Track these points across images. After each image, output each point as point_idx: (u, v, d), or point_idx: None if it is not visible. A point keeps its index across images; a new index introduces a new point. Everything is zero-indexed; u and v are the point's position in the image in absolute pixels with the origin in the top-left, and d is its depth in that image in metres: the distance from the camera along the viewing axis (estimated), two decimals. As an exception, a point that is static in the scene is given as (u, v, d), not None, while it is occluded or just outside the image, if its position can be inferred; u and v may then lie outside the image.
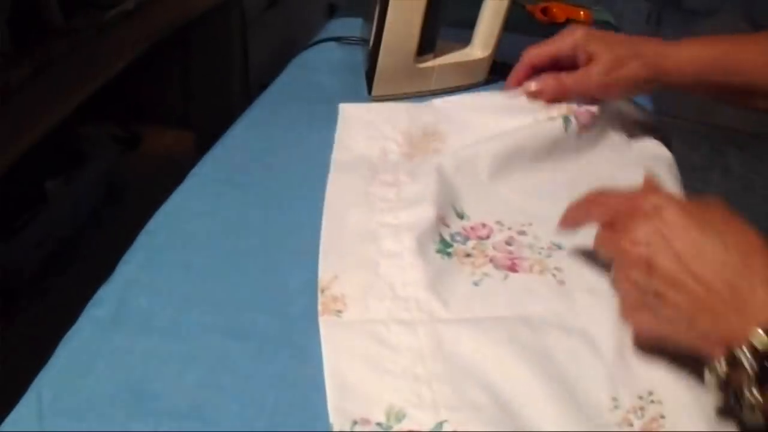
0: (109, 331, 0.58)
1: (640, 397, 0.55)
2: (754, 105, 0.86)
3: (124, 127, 2.01)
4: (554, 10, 1.33)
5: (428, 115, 0.91)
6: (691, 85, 0.85)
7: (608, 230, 0.61)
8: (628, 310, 0.59)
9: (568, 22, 1.32)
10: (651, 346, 0.58)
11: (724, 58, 0.83)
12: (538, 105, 0.87)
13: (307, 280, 0.64)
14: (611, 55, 0.84)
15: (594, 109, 0.86)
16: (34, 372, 0.55)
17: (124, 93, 1.93)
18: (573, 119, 0.85)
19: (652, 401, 0.55)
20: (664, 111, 1.14)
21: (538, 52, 0.90)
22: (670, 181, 0.82)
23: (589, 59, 0.85)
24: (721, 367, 0.50)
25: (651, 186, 0.62)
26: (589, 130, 0.86)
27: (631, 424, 0.54)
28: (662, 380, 0.56)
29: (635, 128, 0.92)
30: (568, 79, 0.87)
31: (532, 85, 0.88)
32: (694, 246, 0.54)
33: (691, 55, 0.83)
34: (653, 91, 0.96)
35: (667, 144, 0.91)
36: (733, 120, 2.69)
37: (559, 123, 0.84)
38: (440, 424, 0.52)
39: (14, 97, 1.30)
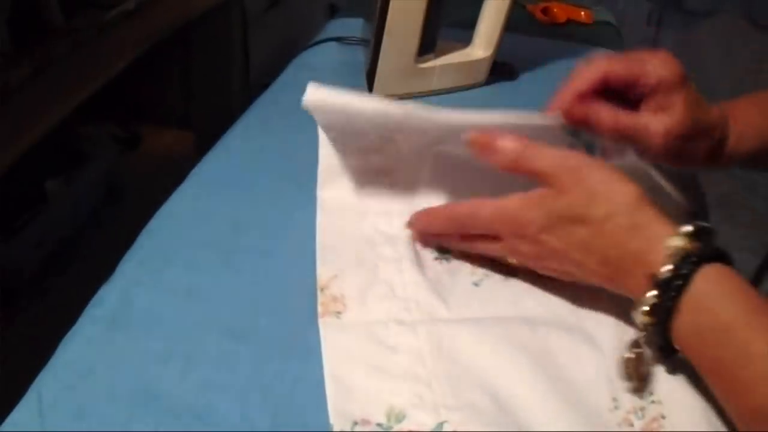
0: (109, 330, 0.58)
1: (641, 397, 0.55)
2: None
3: (124, 127, 2.01)
4: (555, 10, 1.33)
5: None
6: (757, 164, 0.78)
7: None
8: (533, 261, 0.61)
9: (569, 22, 1.32)
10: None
11: None
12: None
13: (307, 279, 0.64)
14: (690, 116, 0.68)
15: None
16: (34, 372, 0.55)
17: (125, 93, 1.93)
18: (598, 144, 0.74)
19: (653, 401, 0.55)
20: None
21: (606, 69, 0.68)
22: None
23: (666, 105, 0.68)
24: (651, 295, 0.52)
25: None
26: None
27: (632, 425, 0.54)
28: (663, 380, 0.56)
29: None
30: (628, 118, 0.68)
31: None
32: (586, 201, 0.56)
33: (750, 134, 0.72)
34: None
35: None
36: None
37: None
38: (440, 424, 0.52)
39: (14, 97, 1.30)
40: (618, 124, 0.68)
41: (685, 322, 0.51)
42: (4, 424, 0.51)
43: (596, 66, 0.68)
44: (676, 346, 0.53)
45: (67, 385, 0.54)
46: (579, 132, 0.72)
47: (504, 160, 0.61)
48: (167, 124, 2.11)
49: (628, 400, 0.55)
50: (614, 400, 0.55)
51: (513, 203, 0.59)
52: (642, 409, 0.55)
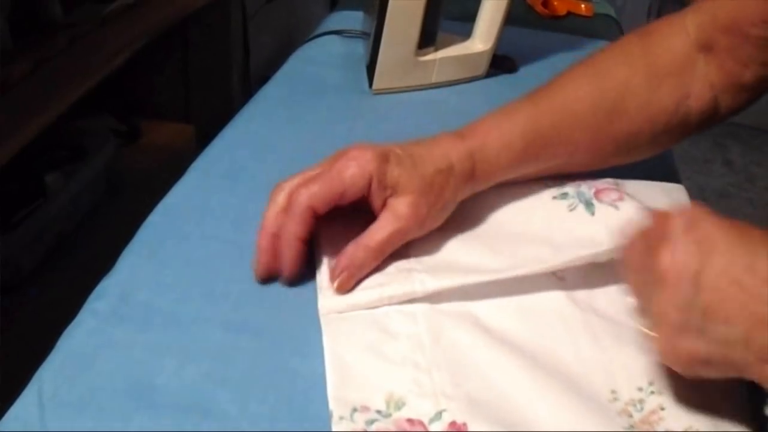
0: (109, 324, 0.58)
1: (640, 389, 0.55)
2: (611, 161, 0.73)
3: (124, 121, 2.01)
4: (555, 3, 1.32)
5: None
6: (526, 174, 0.71)
7: (638, 251, 0.53)
8: (671, 337, 0.49)
9: (569, 15, 1.32)
10: (698, 375, 0.51)
11: (536, 131, 0.68)
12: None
13: (307, 274, 0.64)
14: (419, 179, 0.63)
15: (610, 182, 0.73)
16: (34, 366, 0.55)
17: (124, 87, 1.93)
18: (595, 202, 0.71)
19: (652, 392, 0.55)
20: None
21: (319, 196, 0.62)
22: None
23: (388, 189, 0.63)
24: None
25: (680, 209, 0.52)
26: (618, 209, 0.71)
27: (631, 416, 0.54)
28: (662, 371, 0.56)
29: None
30: (375, 239, 0.63)
31: (337, 269, 0.62)
32: (742, 257, 0.47)
33: (496, 149, 0.67)
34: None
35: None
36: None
37: (581, 211, 0.71)
38: (439, 413, 0.52)
39: (14, 91, 1.30)
40: (365, 246, 0.63)
41: None
42: (4, 418, 0.51)
43: (300, 206, 0.61)
44: None
45: (67, 378, 0.54)
46: (565, 192, 0.72)
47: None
48: (167, 117, 2.11)
49: (627, 392, 0.55)
50: (613, 392, 0.55)
51: None
52: (641, 401, 0.54)
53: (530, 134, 0.68)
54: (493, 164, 0.67)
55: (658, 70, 0.70)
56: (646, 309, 0.53)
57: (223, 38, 2.05)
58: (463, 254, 0.67)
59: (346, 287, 0.62)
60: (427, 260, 0.66)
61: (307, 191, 0.61)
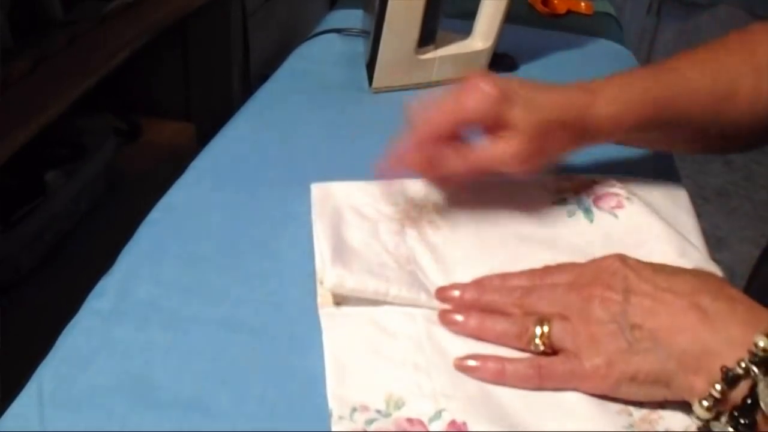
0: (109, 322, 0.58)
1: None
2: (710, 148, 0.76)
3: (124, 119, 2.01)
4: (555, 1, 1.32)
5: (413, 187, 0.74)
6: (630, 141, 0.74)
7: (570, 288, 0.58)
8: (618, 357, 0.53)
9: (569, 13, 1.32)
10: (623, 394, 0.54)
11: (654, 102, 0.67)
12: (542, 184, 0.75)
13: (306, 271, 0.64)
14: (533, 125, 0.64)
15: (616, 187, 0.73)
16: (34, 364, 0.55)
17: (125, 85, 1.93)
18: (594, 209, 0.71)
19: None
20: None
21: (437, 120, 0.66)
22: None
23: (502, 125, 0.64)
24: (716, 389, 0.48)
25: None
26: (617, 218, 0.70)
27: (630, 414, 0.54)
28: None
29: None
30: (475, 156, 0.66)
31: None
32: (668, 277, 0.54)
33: (612, 111, 0.66)
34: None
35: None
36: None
37: (580, 217, 0.71)
38: (439, 413, 0.52)
39: (14, 89, 1.30)
40: (468, 163, 0.66)
41: None
42: (4, 416, 0.51)
43: (436, 111, 0.66)
44: None
45: (67, 376, 0.54)
46: (564, 198, 0.73)
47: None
48: (167, 115, 2.11)
49: None
50: None
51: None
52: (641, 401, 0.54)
53: (649, 103, 0.67)
54: (605, 125, 0.67)
55: (762, 66, 0.70)
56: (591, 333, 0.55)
57: (223, 36, 2.05)
58: (460, 255, 0.67)
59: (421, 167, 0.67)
60: (426, 262, 0.66)
61: (429, 118, 0.66)
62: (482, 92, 0.64)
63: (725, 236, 2.22)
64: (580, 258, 0.62)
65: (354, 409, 0.52)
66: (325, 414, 0.52)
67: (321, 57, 1.07)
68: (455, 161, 0.65)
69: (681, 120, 0.69)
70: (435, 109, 0.66)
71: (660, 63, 0.72)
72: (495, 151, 0.65)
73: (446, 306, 0.61)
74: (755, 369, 0.46)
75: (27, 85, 1.33)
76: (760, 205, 2.41)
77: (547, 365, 0.55)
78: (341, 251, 0.64)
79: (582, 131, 0.66)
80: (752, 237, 2.21)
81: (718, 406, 0.48)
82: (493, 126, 0.65)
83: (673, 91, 0.69)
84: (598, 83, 0.68)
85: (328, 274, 0.60)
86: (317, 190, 0.72)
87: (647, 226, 0.68)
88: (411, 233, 0.69)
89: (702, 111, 0.69)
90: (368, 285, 0.61)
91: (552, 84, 0.68)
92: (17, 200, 1.49)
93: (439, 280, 0.64)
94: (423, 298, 0.61)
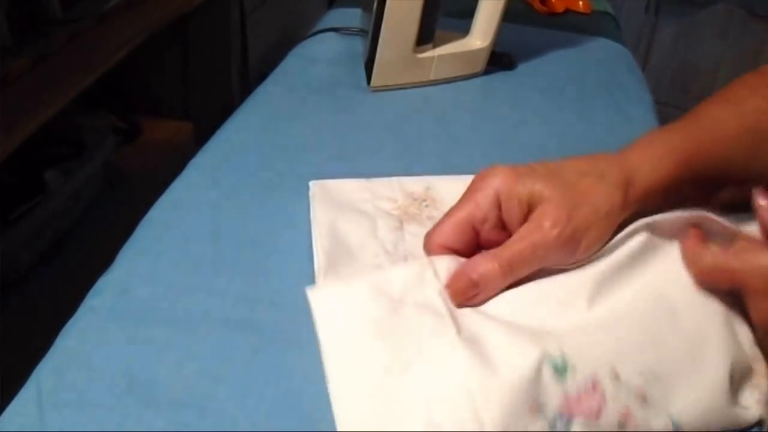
0: (108, 321, 0.59)
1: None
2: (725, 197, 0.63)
3: (123, 118, 2.01)
4: (553, 0, 1.33)
5: (413, 183, 0.74)
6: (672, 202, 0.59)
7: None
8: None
9: (567, 12, 1.32)
10: None
11: (698, 150, 0.59)
12: None
13: (306, 269, 0.64)
14: (562, 189, 0.55)
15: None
16: (33, 362, 0.55)
17: (124, 84, 1.93)
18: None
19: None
20: (658, 99, 1.13)
21: (447, 231, 0.58)
22: None
23: (527, 209, 0.56)
24: None
25: None
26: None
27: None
28: None
29: None
30: (509, 252, 0.54)
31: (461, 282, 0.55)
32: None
33: (657, 167, 0.57)
34: (648, 81, 0.94)
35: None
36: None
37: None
38: None
39: (13, 88, 1.30)
40: (501, 262, 0.54)
41: None
42: (3, 415, 0.51)
43: (446, 221, 0.59)
44: None
45: (66, 375, 0.54)
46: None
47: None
48: (166, 114, 2.11)
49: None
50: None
51: None
52: None
53: (679, 152, 0.58)
54: (646, 181, 0.56)
55: None
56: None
57: (221, 35, 2.05)
58: None
59: (467, 303, 0.55)
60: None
61: (435, 231, 0.59)
62: (494, 172, 0.57)
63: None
64: None
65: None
66: (323, 412, 0.52)
67: (319, 56, 1.08)
68: (490, 266, 0.54)
69: (723, 160, 0.60)
70: (444, 224, 0.59)
71: (685, 115, 0.64)
72: (527, 228, 0.55)
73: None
74: None
75: (26, 83, 1.33)
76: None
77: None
78: (336, 258, 0.64)
79: (624, 186, 0.56)
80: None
81: None
82: (514, 219, 0.57)
83: (705, 134, 0.60)
84: (619, 152, 0.59)
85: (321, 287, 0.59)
86: (316, 187, 0.72)
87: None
88: (410, 229, 0.69)
89: (741, 148, 0.61)
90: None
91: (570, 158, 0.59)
92: (16, 198, 1.49)
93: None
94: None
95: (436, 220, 0.67)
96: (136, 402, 0.52)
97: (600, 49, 1.19)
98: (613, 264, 0.56)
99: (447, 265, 0.57)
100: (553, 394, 0.49)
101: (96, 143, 1.72)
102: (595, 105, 0.99)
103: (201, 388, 0.53)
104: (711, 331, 0.54)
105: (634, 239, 0.57)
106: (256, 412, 0.52)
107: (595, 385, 0.50)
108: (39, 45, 1.40)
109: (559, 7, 1.32)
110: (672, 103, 2.56)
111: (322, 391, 0.53)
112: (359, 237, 0.67)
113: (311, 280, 0.63)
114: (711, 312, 0.55)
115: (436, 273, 0.57)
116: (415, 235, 0.68)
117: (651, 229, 0.57)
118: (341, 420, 0.50)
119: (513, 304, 0.55)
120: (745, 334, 0.55)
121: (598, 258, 0.57)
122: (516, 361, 0.50)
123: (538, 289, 0.56)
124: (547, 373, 0.49)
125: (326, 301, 0.56)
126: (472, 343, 0.52)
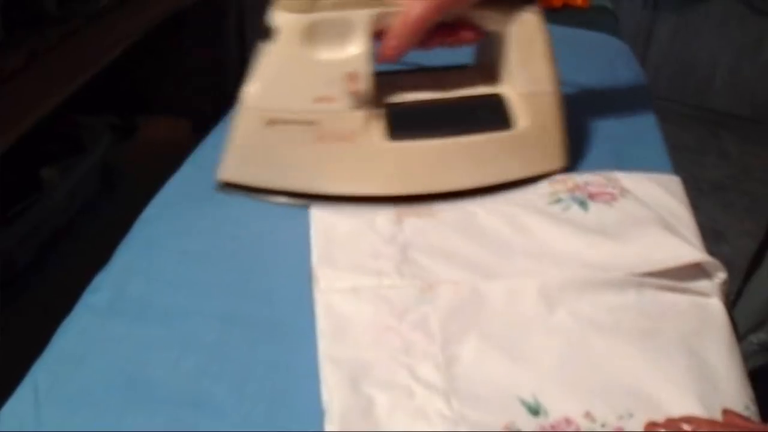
0: (105, 318, 0.58)
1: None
2: None
3: (120, 116, 2.00)
4: (550, -6, 1.32)
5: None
6: None
7: None
8: None
9: (565, 6, 1.32)
10: None
11: None
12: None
13: (303, 266, 0.64)
14: None
15: (609, 186, 0.74)
16: (30, 361, 0.55)
17: (120, 81, 1.93)
18: (589, 201, 0.72)
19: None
20: (657, 94, 1.13)
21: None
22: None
23: None
24: None
25: None
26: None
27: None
28: None
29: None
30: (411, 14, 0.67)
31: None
32: None
33: None
34: (646, 76, 0.93)
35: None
36: (728, 104, 2.69)
37: (575, 209, 0.71)
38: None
39: (8, 85, 1.29)
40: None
41: None
42: (0, 413, 0.51)
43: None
44: None
45: (63, 373, 0.54)
46: (559, 198, 0.73)
47: None
48: (163, 112, 2.10)
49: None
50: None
51: None
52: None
53: None
54: None
55: None
56: None
57: (219, 32, 2.05)
58: (458, 244, 0.67)
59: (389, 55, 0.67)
60: (423, 250, 0.66)
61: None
62: None
63: (723, 230, 2.22)
64: (575, 242, 0.65)
65: None
66: (319, 409, 0.52)
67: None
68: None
69: None
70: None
71: None
72: None
73: None
74: None
75: (21, 80, 1.32)
76: (757, 198, 2.40)
77: None
78: (332, 248, 0.65)
79: None
80: (749, 231, 2.21)
81: None
82: None
83: None
84: None
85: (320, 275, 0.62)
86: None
87: (641, 215, 0.69)
88: (409, 222, 0.69)
89: None
90: (364, 283, 0.62)
91: None
92: (13, 196, 1.49)
93: (436, 268, 0.64)
94: (418, 284, 0.62)
95: (436, 219, 0.67)
96: (133, 399, 0.52)
97: (598, 44, 1.18)
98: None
99: None
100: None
101: (93, 141, 1.72)
102: (594, 100, 0.99)
103: (197, 385, 0.53)
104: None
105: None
106: (253, 409, 0.52)
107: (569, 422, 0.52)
108: (34, 41, 1.40)
109: (557, 2, 1.31)
110: (670, 97, 2.56)
111: (318, 386, 0.53)
112: (357, 228, 0.67)
113: (308, 275, 0.63)
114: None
115: None
116: (414, 227, 0.68)
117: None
118: None
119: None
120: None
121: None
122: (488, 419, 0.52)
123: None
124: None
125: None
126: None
